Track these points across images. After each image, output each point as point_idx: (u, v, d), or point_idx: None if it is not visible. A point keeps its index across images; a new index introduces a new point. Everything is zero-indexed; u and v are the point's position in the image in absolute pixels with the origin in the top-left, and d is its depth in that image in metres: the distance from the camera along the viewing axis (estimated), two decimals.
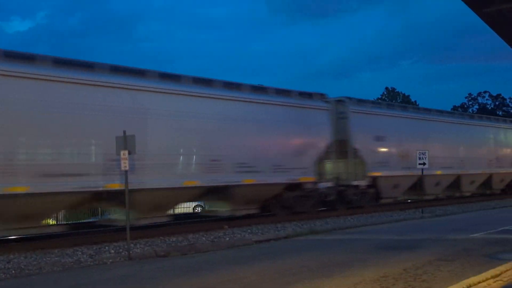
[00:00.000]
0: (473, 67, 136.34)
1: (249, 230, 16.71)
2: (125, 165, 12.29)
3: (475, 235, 14.39)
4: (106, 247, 13.54)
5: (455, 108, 70.95)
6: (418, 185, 25.75)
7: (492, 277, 8.34)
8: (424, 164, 22.84)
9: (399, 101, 63.42)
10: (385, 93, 68.69)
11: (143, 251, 12.88)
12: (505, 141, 33.90)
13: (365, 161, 23.07)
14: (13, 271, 10.58)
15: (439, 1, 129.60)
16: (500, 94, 75.60)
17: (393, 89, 69.01)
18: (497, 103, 75.63)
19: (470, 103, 76.20)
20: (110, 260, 11.75)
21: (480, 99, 76.18)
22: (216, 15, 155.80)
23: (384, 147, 24.64)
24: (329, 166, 22.09)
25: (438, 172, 26.82)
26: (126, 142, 12.34)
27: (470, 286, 7.80)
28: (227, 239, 14.93)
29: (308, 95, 21.70)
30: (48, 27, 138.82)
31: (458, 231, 15.49)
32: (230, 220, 18.58)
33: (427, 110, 29.02)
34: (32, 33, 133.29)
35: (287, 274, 9.39)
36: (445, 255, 10.93)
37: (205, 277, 9.43)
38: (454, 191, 29.67)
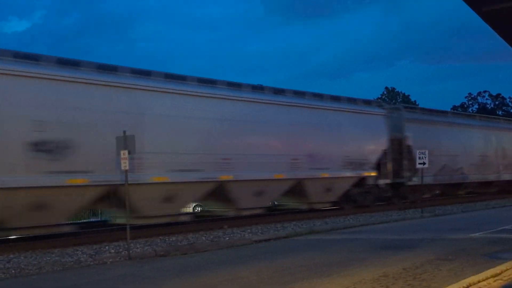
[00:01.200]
0: (471, 67, 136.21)
1: (248, 230, 16.73)
2: (125, 164, 12.30)
3: (474, 234, 14.39)
4: (106, 247, 13.55)
5: (454, 108, 70.95)
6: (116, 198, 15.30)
7: (492, 276, 8.34)
8: (424, 164, 22.59)
9: (399, 101, 63.31)
10: (385, 93, 68.68)
11: (143, 251, 12.88)
12: (328, 130, 21.81)
13: None
14: (13, 271, 10.58)
15: (436, 0, 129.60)
16: (500, 94, 75.77)
17: (393, 89, 69.03)
18: (497, 102, 75.72)
19: (470, 102, 76.30)
20: (110, 260, 11.75)
21: (480, 99, 76.30)
22: (212, 15, 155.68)
23: None
24: None
25: (159, 179, 16.06)
26: (126, 141, 12.37)
27: (470, 285, 7.80)
28: (227, 238, 14.94)
29: None
30: (45, 27, 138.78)
31: (458, 230, 15.50)
32: (230, 219, 18.59)
33: (144, 75, 16.57)
34: (30, 33, 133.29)
35: (286, 274, 9.39)
36: (445, 255, 10.93)
37: (204, 277, 9.44)
38: (223, 207, 19.21)
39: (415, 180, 25.12)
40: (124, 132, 12.42)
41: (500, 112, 71.33)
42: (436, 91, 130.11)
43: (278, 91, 20.69)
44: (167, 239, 14.93)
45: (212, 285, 8.73)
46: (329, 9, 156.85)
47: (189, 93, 17.30)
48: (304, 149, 20.58)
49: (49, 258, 11.95)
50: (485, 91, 76.04)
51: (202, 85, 17.99)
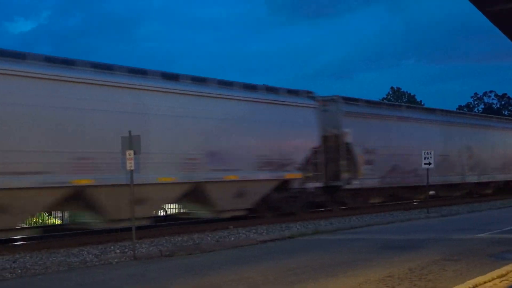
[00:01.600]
0: (477, 67, 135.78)
1: (254, 230, 16.73)
2: (130, 164, 12.32)
3: (480, 235, 14.34)
4: (112, 247, 13.58)
5: (460, 107, 70.74)
6: None
7: (498, 276, 8.30)
8: (429, 164, 22.42)
9: (404, 101, 63.17)
10: (391, 92, 68.54)
11: (148, 251, 12.90)
12: (238, 124, 18.31)
13: None
14: (19, 271, 10.62)
15: (440, 0, 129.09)
16: (506, 94, 75.50)
17: (399, 88, 68.87)
18: (503, 102, 75.46)
19: (476, 102, 76.06)
20: (116, 260, 11.78)
21: (486, 99, 76.06)
22: (215, 16, 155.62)
23: None
24: None
25: None
26: (131, 142, 12.39)
27: (476, 286, 7.77)
28: (232, 239, 14.94)
29: None
30: (49, 28, 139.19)
31: (464, 230, 15.45)
32: (236, 220, 18.59)
33: None
34: (35, 34, 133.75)
35: (292, 274, 9.39)
36: (451, 255, 10.90)
37: (210, 277, 9.44)
38: (90, 218, 15.52)
39: (356, 183, 22.14)
40: (130, 132, 12.43)
41: (506, 112, 71.12)
42: (441, 91, 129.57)
43: (169, 77, 17.00)
44: (172, 240, 14.95)
45: (217, 285, 8.73)
46: (332, 9, 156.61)
47: (29, 75, 13.63)
48: (204, 147, 17.09)
49: (54, 258, 11.99)
50: (491, 91, 75.89)
51: (51, 65, 14.31)
